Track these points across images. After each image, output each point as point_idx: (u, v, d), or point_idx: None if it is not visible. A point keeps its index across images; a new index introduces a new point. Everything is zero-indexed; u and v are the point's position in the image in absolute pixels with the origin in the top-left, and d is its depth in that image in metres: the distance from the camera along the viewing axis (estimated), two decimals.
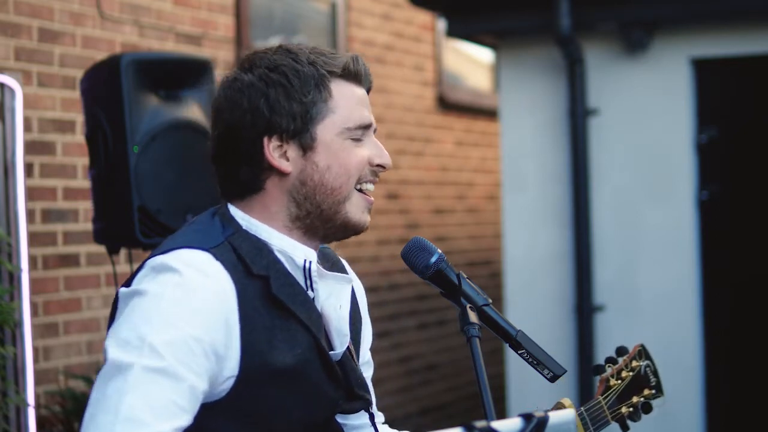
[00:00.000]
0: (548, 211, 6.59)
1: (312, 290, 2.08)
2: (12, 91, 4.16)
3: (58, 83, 4.99)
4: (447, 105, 8.41)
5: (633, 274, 6.41)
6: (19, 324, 4.06)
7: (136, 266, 2.48)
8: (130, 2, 5.43)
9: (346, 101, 2.08)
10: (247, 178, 2.08)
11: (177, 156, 4.06)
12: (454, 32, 7.10)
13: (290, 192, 2.08)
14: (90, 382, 4.60)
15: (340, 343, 2.13)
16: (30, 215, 4.67)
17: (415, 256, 2.15)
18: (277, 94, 2.04)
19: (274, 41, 6.65)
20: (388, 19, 7.76)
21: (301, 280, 2.08)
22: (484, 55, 9.27)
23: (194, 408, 1.89)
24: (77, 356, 5.01)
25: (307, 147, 2.06)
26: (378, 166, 2.12)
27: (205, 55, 5.47)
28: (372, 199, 2.14)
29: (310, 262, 2.08)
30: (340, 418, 2.15)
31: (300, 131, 2.05)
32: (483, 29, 6.95)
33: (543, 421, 1.68)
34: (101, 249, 4.44)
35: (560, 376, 2.18)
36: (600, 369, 2.38)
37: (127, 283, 2.02)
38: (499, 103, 6.93)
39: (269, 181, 2.08)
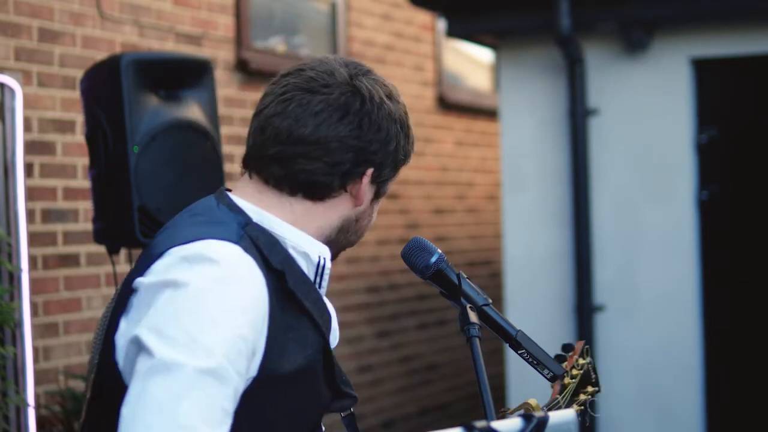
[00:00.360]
0: (548, 211, 6.59)
1: (320, 287, 2.07)
2: (12, 91, 4.15)
3: (58, 83, 4.99)
4: (447, 105, 8.40)
5: (633, 274, 6.41)
6: (19, 324, 4.05)
7: None
8: (130, 2, 5.43)
9: None
10: (324, 184, 2.03)
11: (177, 156, 4.05)
12: (454, 32, 7.10)
13: (343, 219, 2.08)
14: None
15: (334, 340, 2.11)
16: (30, 215, 4.67)
17: (415, 256, 2.16)
18: (405, 140, 2.12)
19: (274, 41, 6.65)
20: (388, 19, 7.76)
21: (311, 276, 2.05)
22: (484, 55, 9.26)
23: (234, 409, 1.83)
24: (77, 356, 5.01)
25: (379, 194, 2.12)
26: None
27: (205, 55, 5.47)
28: None
29: (325, 259, 2.06)
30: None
31: (386, 179, 2.11)
32: (483, 29, 6.95)
33: (543, 421, 1.68)
34: (101, 249, 4.44)
35: (560, 376, 2.19)
36: None
37: (141, 273, 1.92)
38: (499, 103, 6.92)
39: (337, 199, 2.06)
